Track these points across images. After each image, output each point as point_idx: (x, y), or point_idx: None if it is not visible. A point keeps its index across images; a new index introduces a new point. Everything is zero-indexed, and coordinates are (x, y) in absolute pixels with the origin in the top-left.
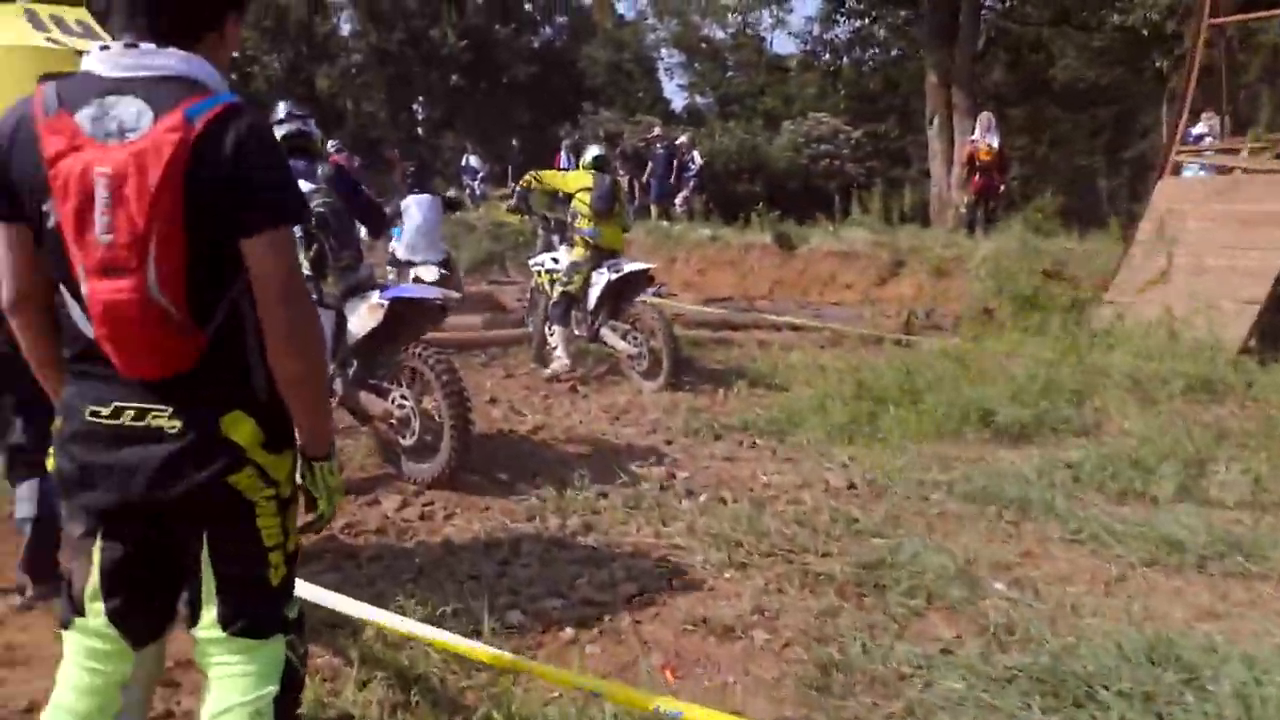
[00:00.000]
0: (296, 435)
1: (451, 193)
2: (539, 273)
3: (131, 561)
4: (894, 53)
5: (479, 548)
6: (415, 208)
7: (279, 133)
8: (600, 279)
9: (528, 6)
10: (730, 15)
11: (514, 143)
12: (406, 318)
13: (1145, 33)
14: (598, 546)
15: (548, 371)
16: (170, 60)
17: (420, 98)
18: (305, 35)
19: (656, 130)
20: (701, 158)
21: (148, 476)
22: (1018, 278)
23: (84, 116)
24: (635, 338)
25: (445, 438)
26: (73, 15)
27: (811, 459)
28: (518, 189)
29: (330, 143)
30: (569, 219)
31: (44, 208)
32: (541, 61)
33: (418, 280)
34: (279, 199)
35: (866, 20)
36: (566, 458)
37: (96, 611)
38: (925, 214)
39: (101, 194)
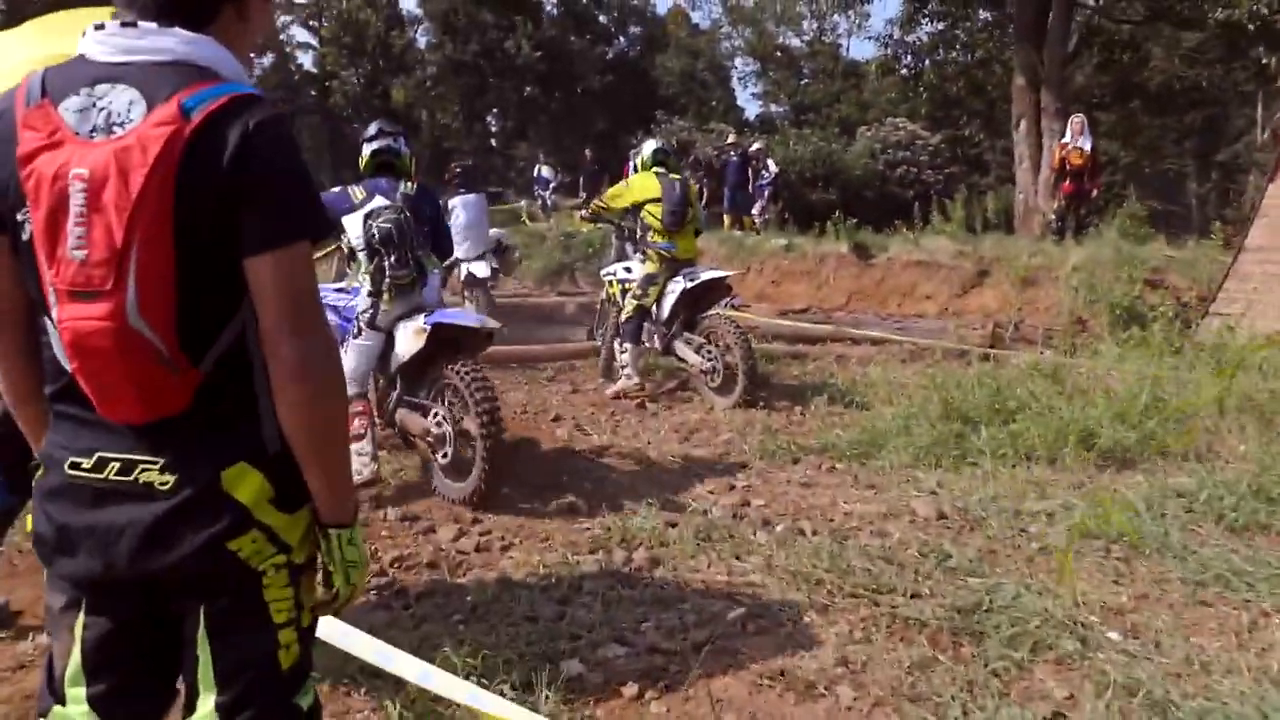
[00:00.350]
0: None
1: (497, 189)
2: (610, 283)
3: (119, 640)
4: (978, 55)
5: (537, 584)
6: (461, 208)
7: (368, 150)
8: (675, 288)
9: (602, 18)
10: (806, 22)
11: (586, 152)
12: (449, 342)
13: (1251, 27)
14: (665, 584)
15: (613, 389)
16: (173, 42)
17: (494, 109)
18: (382, 49)
19: (731, 138)
20: (776, 166)
21: (135, 542)
22: (1113, 287)
23: (68, 108)
24: (709, 351)
25: (476, 458)
26: None
27: (896, 485)
28: (583, 215)
29: None
30: (640, 231)
31: (19, 216)
32: (615, 71)
33: (470, 277)
34: (290, 210)
35: (950, 22)
36: (633, 481)
37: (78, 698)
38: (1009, 221)
39: (77, 200)
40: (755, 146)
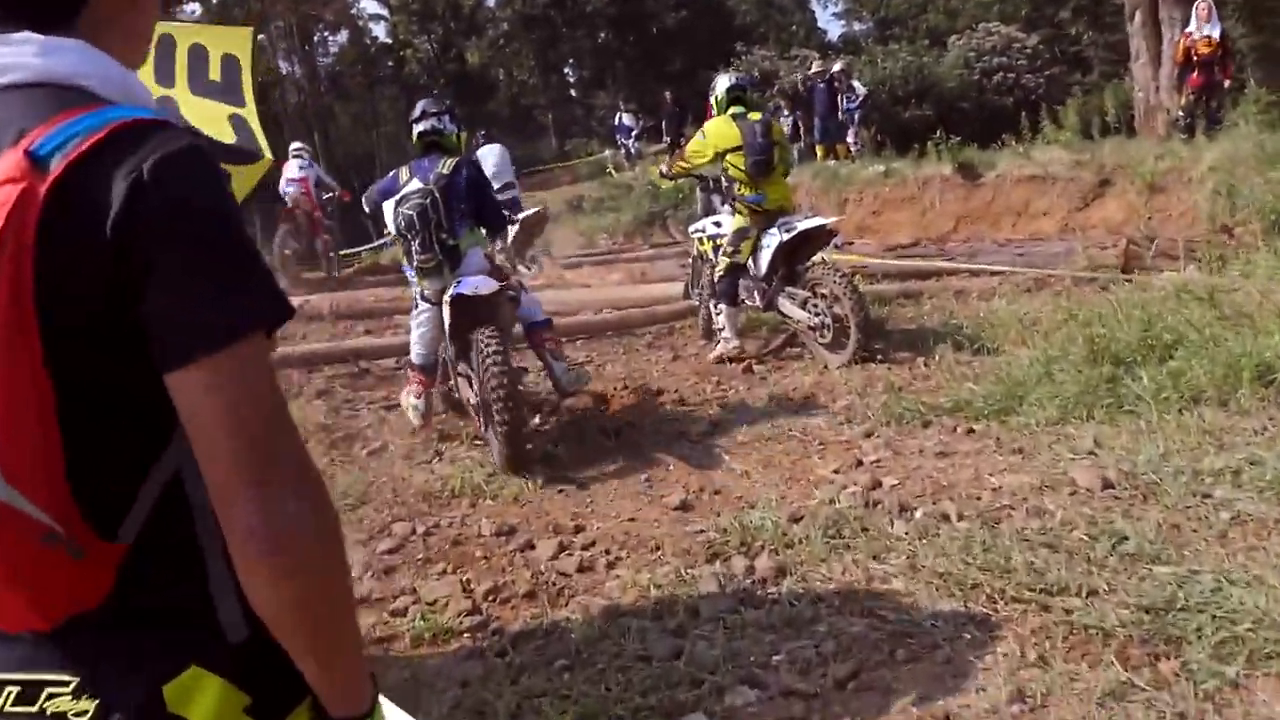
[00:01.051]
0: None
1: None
2: (700, 240)
3: None
4: None
5: (649, 610)
6: (488, 155)
7: (415, 132)
8: (770, 241)
9: None
10: None
11: (666, 95)
12: (470, 310)
13: None
14: (795, 599)
15: (714, 354)
16: (17, 53)
17: (570, 59)
18: (452, 12)
19: (815, 66)
20: (864, 86)
21: None
22: (1260, 188)
23: None
24: (816, 305)
25: (492, 438)
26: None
27: (1047, 447)
28: (664, 173)
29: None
30: (725, 183)
31: None
32: (689, 7)
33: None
34: (221, 291)
35: None
36: (747, 464)
37: None
38: (1129, 123)
39: None
40: (837, 67)
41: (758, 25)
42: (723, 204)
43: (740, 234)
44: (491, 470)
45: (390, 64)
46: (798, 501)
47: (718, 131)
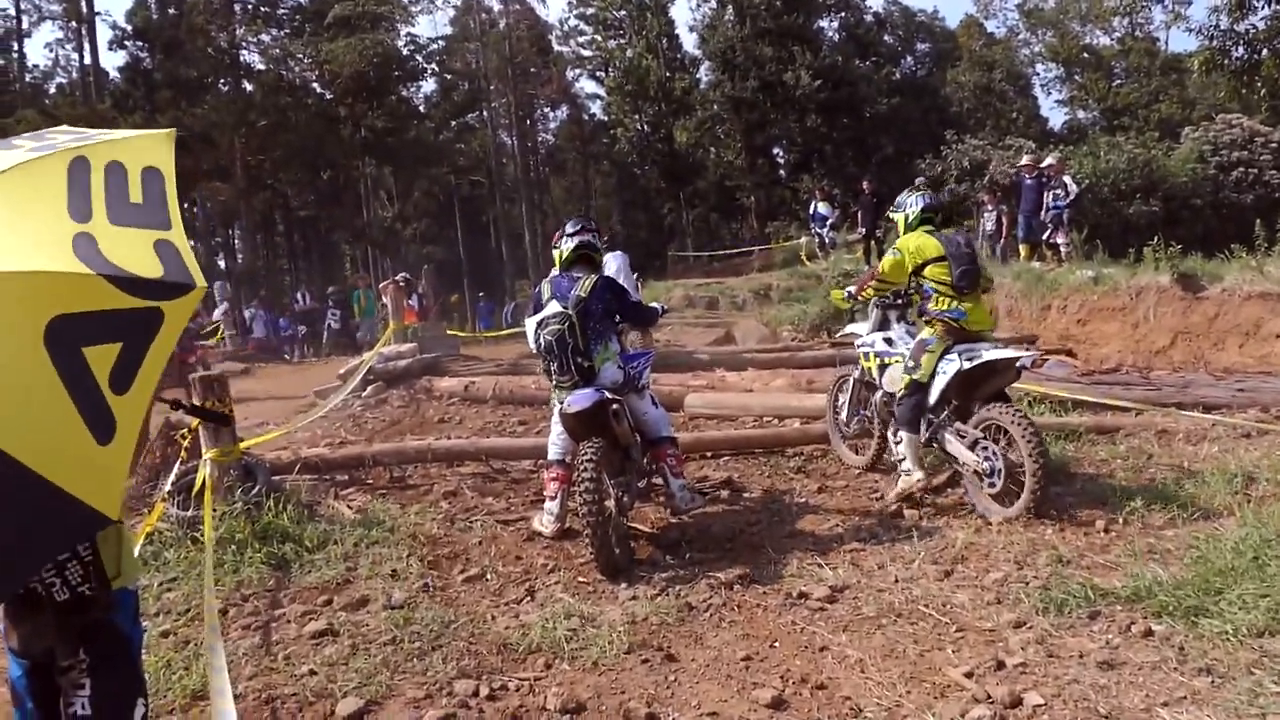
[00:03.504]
0: None
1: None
2: (866, 356)
3: None
4: None
5: None
6: (612, 260)
7: (568, 246)
8: (949, 367)
9: (887, 39)
10: (1116, 18)
11: (865, 183)
12: (584, 421)
13: None
14: None
15: (895, 493)
16: None
17: (781, 141)
18: (663, 93)
19: (1025, 158)
20: (1078, 183)
21: None
22: None
23: None
24: (987, 449)
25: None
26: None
27: (1245, 670)
28: (852, 294)
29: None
30: (917, 295)
31: None
32: (902, 93)
33: None
34: None
35: None
36: (864, 655)
37: None
38: None
39: None
40: (1048, 161)
41: (974, 112)
42: (898, 320)
43: (922, 346)
44: (579, 620)
45: (605, 141)
46: (919, 706)
47: (916, 244)
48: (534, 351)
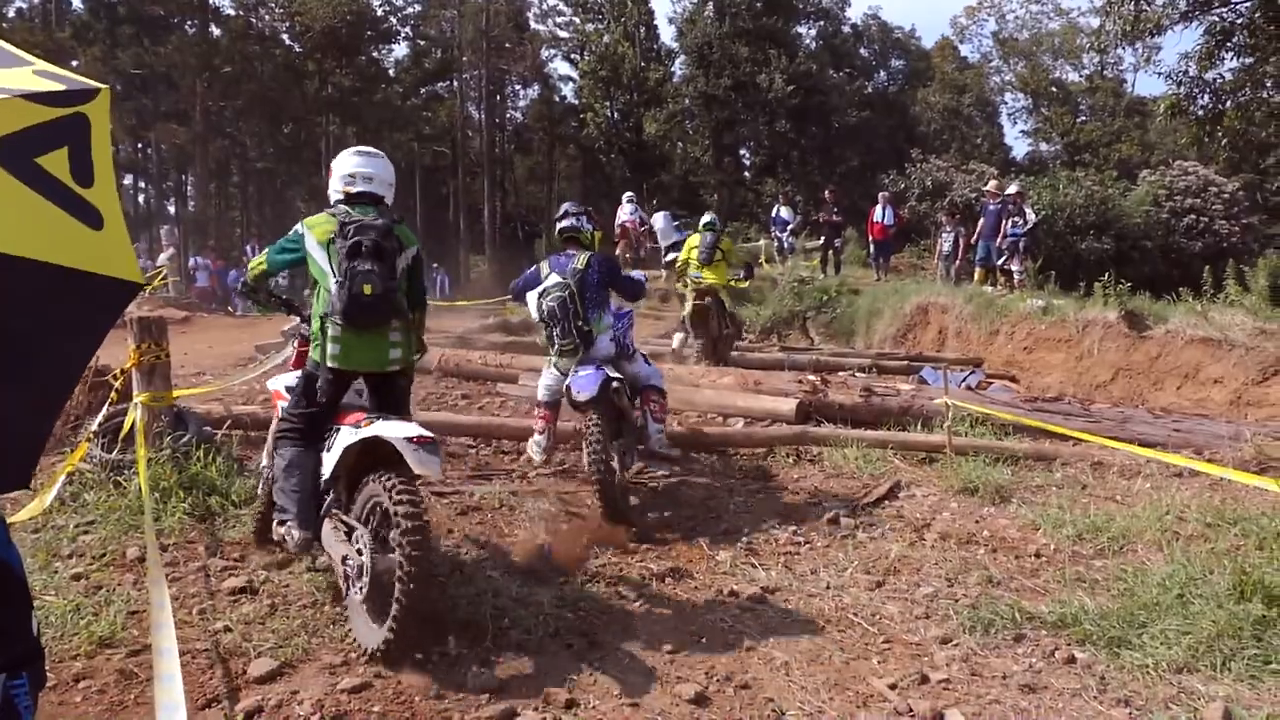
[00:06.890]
0: None
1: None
2: None
3: None
4: None
5: None
6: (659, 219)
7: (560, 227)
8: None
9: (863, 51)
10: (1086, 55)
11: (826, 194)
12: (594, 402)
13: None
14: None
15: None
16: None
17: (748, 142)
18: (637, 82)
19: (991, 184)
20: (1036, 213)
21: None
22: None
23: None
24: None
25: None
26: None
27: (1161, 704)
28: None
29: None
30: None
31: None
32: (873, 107)
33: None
34: None
35: (1258, 57)
36: (790, 657)
37: None
38: None
39: None
40: (1012, 189)
41: (940, 134)
42: None
43: None
44: (508, 600)
45: (573, 124)
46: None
47: None
48: (535, 320)
